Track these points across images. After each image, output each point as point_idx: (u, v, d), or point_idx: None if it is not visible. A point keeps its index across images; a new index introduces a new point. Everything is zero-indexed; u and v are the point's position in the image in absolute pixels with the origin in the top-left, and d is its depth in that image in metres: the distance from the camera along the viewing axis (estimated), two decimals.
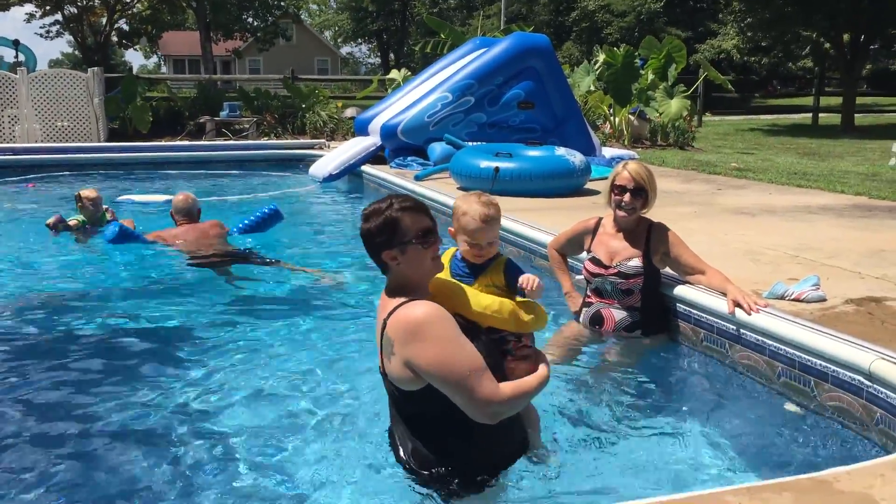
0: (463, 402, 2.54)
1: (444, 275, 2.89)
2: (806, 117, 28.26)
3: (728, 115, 31.01)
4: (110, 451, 3.36)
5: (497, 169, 8.10)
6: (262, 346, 4.64)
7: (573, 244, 4.71)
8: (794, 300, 4.10)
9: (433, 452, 2.70)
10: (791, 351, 3.63)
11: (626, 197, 4.25)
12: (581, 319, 4.53)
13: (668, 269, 4.41)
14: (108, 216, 7.56)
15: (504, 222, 6.47)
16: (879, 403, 3.18)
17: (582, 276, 4.58)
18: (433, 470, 2.71)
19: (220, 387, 4.01)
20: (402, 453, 2.80)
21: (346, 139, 16.56)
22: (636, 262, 4.30)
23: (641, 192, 4.24)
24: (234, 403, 3.80)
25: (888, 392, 3.13)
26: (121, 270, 6.40)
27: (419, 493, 2.75)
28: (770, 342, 3.75)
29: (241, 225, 7.27)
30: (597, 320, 4.42)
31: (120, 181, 12.24)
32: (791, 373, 3.64)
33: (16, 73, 16.20)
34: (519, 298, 2.90)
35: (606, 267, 4.36)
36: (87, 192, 7.47)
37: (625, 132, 15.39)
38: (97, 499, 3.01)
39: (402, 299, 2.61)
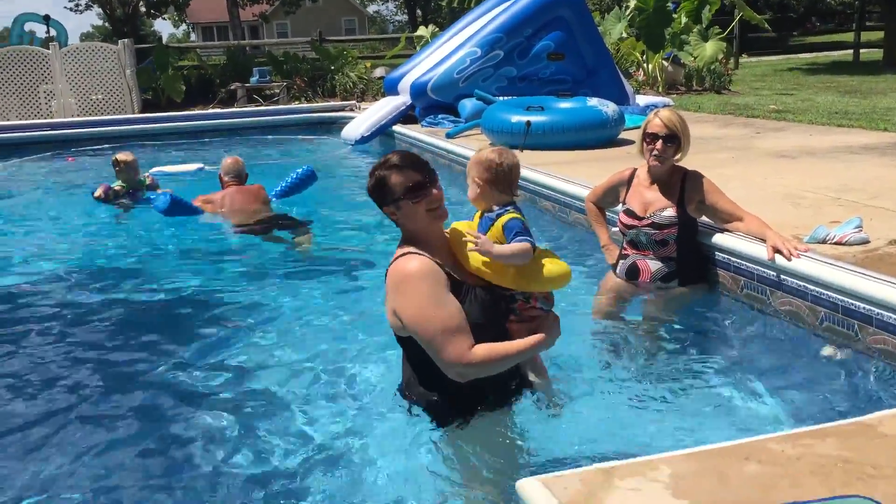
0: (434, 359, 2.66)
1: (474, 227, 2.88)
2: (846, 54, 27.42)
3: (766, 56, 30.21)
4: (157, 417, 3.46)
5: (528, 123, 8.02)
6: (306, 310, 4.69)
7: (609, 196, 4.66)
8: (836, 244, 4.03)
9: (426, 387, 2.81)
10: (833, 295, 3.58)
11: (658, 145, 4.18)
12: (618, 272, 4.50)
13: (704, 218, 4.34)
14: (149, 181, 7.70)
15: (537, 176, 6.50)
16: None
17: (618, 229, 4.55)
18: (427, 400, 2.82)
19: (269, 347, 4.09)
20: (402, 385, 2.94)
21: (376, 99, 16.50)
22: (670, 213, 4.24)
23: (674, 139, 4.17)
24: (277, 365, 3.87)
25: None
26: (167, 239, 6.50)
27: (415, 421, 2.85)
28: (812, 287, 3.70)
29: (277, 189, 7.29)
30: (633, 272, 4.39)
31: (155, 151, 12.37)
32: (834, 317, 3.60)
33: (48, 49, 16.35)
34: (541, 253, 2.83)
35: (640, 218, 4.31)
36: (123, 155, 7.58)
37: (659, 79, 15.10)
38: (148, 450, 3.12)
39: (406, 249, 2.71)
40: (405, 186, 2.67)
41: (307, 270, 5.60)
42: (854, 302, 3.47)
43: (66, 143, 12.98)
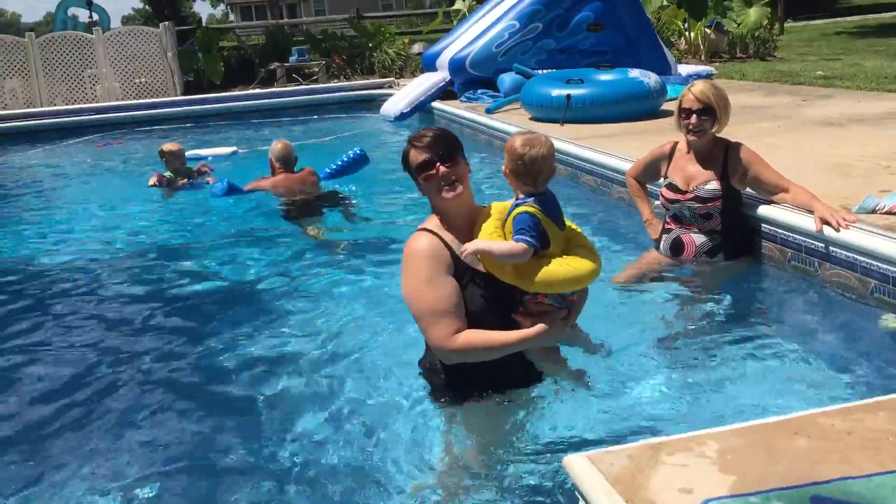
0: (423, 335, 2.75)
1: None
2: None
3: (812, 21, 29.44)
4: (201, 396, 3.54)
5: (569, 96, 7.95)
6: (353, 294, 4.73)
7: (650, 170, 4.62)
8: (886, 213, 3.95)
9: (430, 358, 2.88)
10: (884, 266, 3.52)
11: (693, 119, 4.12)
12: (661, 248, 4.46)
13: (749, 190, 4.28)
14: (202, 168, 7.79)
15: (579, 151, 6.45)
16: None
17: (660, 203, 4.50)
18: (435, 378, 2.91)
19: (316, 332, 4.15)
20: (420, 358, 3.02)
21: (414, 76, 16.45)
22: (713, 186, 4.19)
23: (709, 111, 4.10)
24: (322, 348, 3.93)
25: None
26: (217, 223, 6.56)
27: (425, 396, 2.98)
28: (862, 258, 3.64)
29: (328, 170, 7.29)
30: (677, 247, 4.35)
31: (197, 133, 12.54)
32: (885, 288, 3.54)
33: (91, 34, 16.57)
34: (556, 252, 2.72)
35: (683, 192, 4.26)
36: (169, 145, 7.67)
37: (701, 47, 14.82)
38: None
39: (424, 226, 2.79)
40: (417, 163, 2.73)
41: (347, 255, 5.61)
42: None
43: (112, 127, 13.23)
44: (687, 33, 15.30)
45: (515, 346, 2.71)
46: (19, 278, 5.50)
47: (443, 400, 2.91)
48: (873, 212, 3.98)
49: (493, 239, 2.69)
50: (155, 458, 3.08)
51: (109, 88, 16.31)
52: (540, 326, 2.69)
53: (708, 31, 14.88)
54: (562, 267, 2.66)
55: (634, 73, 8.41)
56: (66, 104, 15.55)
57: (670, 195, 4.33)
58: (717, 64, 14.30)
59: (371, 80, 15.36)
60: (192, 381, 3.74)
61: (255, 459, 3.01)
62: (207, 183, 7.48)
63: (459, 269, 2.69)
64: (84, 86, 16.39)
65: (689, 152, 4.31)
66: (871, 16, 28.72)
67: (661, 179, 4.47)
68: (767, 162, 4.22)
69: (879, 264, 3.54)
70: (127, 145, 11.93)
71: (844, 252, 3.73)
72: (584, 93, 8.02)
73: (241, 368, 3.78)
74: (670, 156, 4.45)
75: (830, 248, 3.81)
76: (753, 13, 14.46)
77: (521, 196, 2.76)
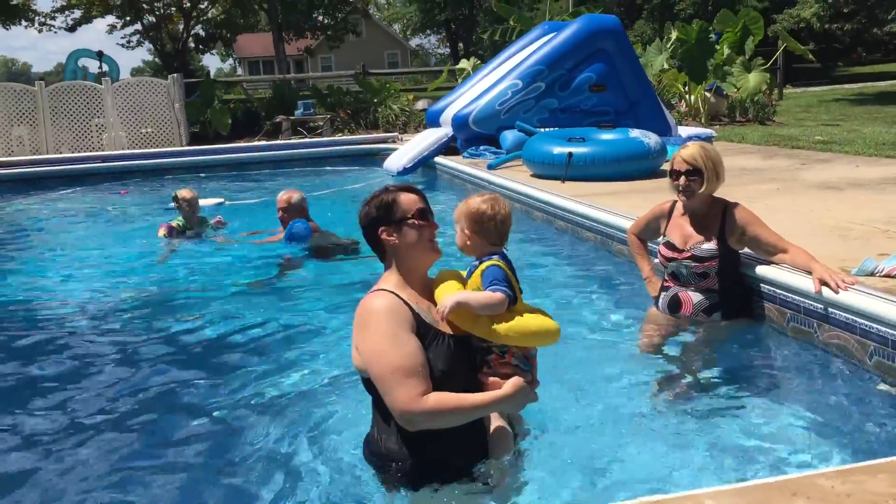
0: (384, 400, 2.54)
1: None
2: (894, 84, 27.06)
3: (810, 87, 29.91)
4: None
5: (570, 154, 8.04)
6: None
7: (650, 228, 4.66)
8: (885, 276, 3.96)
9: (380, 438, 2.70)
10: (883, 329, 3.51)
11: (682, 180, 4.19)
12: (660, 305, 4.47)
13: (748, 250, 4.30)
14: (217, 223, 7.67)
15: (580, 208, 6.49)
16: None
17: (658, 261, 4.52)
18: (379, 452, 2.71)
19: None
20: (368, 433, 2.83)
21: (418, 131, 16.67)
22: (710, 245, 4.22)
23: (696, 172, 4.16)
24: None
25: None
26: (207, 274, 6.57)
27: (370, 479, 2.78)
28: (861, 321, 3.63)
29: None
30: (675, 305, 4.36)
31: (203, 182, 12.65)
32: (884, 351, 3.52)
33: (101, 84, 16.83)
34: (524, 307, 2.71)
35: (680, 251, 4.29)
36: (184, 192, 7.47)
37: (701, 110, 15.03)
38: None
39: (384, 282, 2.68)
40: (417, 207, 2.68)
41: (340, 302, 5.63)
42: None
43: (117, 175, 13.35)
44: (687, 96, 15.54)
45: (488, 409, 2.63)
46: (14, 323, 5.50)
47: (398, 486, 2.65)
48: (872, 274, 3.99)
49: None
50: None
51: (115, 137, 16.50)
52: (514, 384, 2.60)
53: (708, 94, 15.12)
54: (534, 320, 2.66)
55: (635, 132, 8.52)
56: (72, 152, 15.71)
57: (668, 253, 4.36)
58: (717, 126, 14.50)
59: (375, 135, 15.54)
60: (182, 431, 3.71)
61: None
62: (217, 240, 7.36)
63: (422, 329, 2.58)
64: (90, 134, 16.57)
65: (685, 213, 4.35)
66: (869, 84, 29.19)
67: (661, 237, 4.50)
68: (765, 223, 4.25)
69: (878, 327, 3.53)
70: (133, 195, 12.03)
71: (843, 314, 3.73)
72: (586, 151, 8.11)
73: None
74: (669, 214, 4.49)
75: (829, 309, 3.81)
76: (753, 78, 14.71)
77: (482, 257, 2.76)
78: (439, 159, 11.32)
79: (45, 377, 4.40)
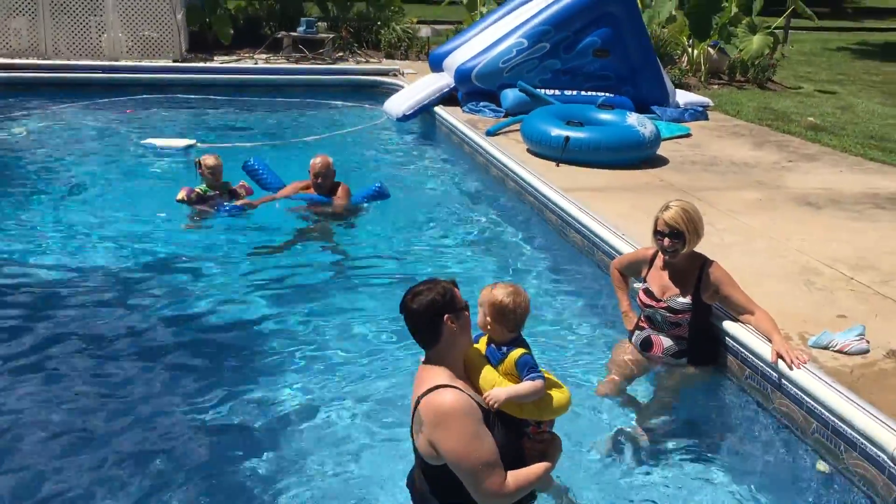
0: (469, 488, 2.85)
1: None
2: None
3: (817, 31, 29.61)
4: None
5: (567, 139, 8.27)
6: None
7: (632, 269, 5.02)
8: (837, 351, 4.37)
9: None
10: (825, 413, 3.94)
11: (666, 241, 4.51)
12: (633, 340, 4.88)
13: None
14: (241, 190, 7.48)
15: (570, 208, 6.80)
16: None
17: (637, 302, 4.90)
18: None
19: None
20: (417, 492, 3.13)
21: (419, 58, 16.66)
22: (685, 300, 4.59)
23: (678, 236, 4.48)
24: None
25: None
26: (228, 249, 6.82)
27: None
28: (807, 399, 4.05)
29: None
30: (647, 345, 4.76)
31: (197, 104, 12.84)
32: (824, 432, 3.96)
33: None
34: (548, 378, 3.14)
35: (658, 300, 4.66)
36: (209, 159, 7.29)
37: (702, 67, 15.08)
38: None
39: (439, 376, 2.92)
40: (463, 303, 2.99)
41: (347, 277, 6.22)
42: (842, 424, 3.83)
43: (117, 88, 13.39)
44: (690, 50, 15.54)
45: (544, 476, 3.07)
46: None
47: None
48: (826, 347, 4.41)
49: (502, 383, 3.05)
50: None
51: (115, 39, 16.28)
52: (556, 452, 3.12)
53: (711, 51, 15.13)
54: (560, 394, 3.13)
55: (632, 119, 8.73)
56: (71, 55, 15.56)
57: (646, 300, 4.74)
58: (716, 87, 14.60)
59: (376, 66, 15.50)
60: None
61: None
62: (240, 207, 7.28)
63: (484, 415, 2.92)
64: (90, 34, 16.33)
65: (664, 267, 4.71)
66: (874, 32, 28.94)
67: (640, 283, 4.87)
68: (737, 283, 4.62)
69: (822, 409, 3.96)
70: (139, 112, 12.17)
71: (793, 388, 4.15)
72: (582, 137, 8.33)
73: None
74: (651, 262, 4.84)
75: (782, 380, 4.23)
76: (756, 41, 14.71)
77: (505, 340, 3.15)
78: (439, 110, 11.46)
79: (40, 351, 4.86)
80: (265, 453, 4.02)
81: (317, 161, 7.30)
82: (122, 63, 15.03)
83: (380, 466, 3.91)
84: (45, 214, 7.45)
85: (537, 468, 3.04)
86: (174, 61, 15.40)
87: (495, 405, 2.96)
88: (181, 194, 7.24)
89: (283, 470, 3.90)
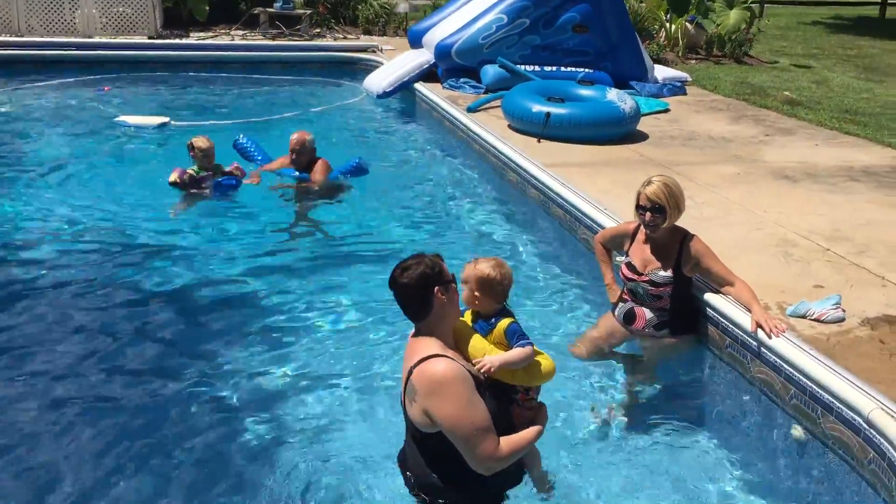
0: (465, 454, 2.97)
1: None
2: (873, 9, 27.15)
3: (792, 5, 29.83)
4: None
5: (548, 115, 8.33)
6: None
7: (615, 243, 5.10)
8: (814, 320, 4.49)
9: (445, 483, 3.12)
10: (803, 379, 4.05)
11: (647, 216, 4.59)
12: (616, 313, 4.97)
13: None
14: (234, 171, 7.37)
15: (552, 183, 6.87)
16: (873, 446, 3.63)
17: (620, 275, 5.00)
18: (441, 500, 3.13)
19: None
20: (412, 481, 3.24)
21: (397, 34, 16.61)
22: (667, 273, 4.67)
23: (660, 210, 4.57)
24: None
25: (881, 439, 3.58)
26: (217, 232, 6.83)
27: None
28: (786, 366, 4.17)
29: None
30: (629, 317, 4.86)
31: (172, 81, 12.71)
32: (802, 398, 4.08)
33: None
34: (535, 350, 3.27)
35: (640, 274, 4.75)
36: (200, 141, 7.16)
37: (680, 42, 15.17)
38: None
39: (430, 346, 3.02)
40: (452, 274, 3.10)
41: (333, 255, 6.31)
42: (818, 390, 3.95)
43: (85, 65, 13.27)
44: (668, 25, 15.62)
45: (534, 441, 3.19)
46: None
47: None
48: (804, 317, 4.53)
49: (493, 352, 3.16)
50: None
51: (89, 15, 16.08)
52: (546, 416, 3.25)
53: (689, 25, 15.22)
54: (546, 360, 3.27)
55: (612, 94, 8.79)
56: (44, 28, 15.35)
57: (628, 274, 4.82)
58: (693, 61, 14.71)
59: (354, 43, 15.42)
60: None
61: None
62: (233, 180, 7.26)
63: (476, 383, 3.02)
64: (63, 10, 16.12)
65: (646, 241, 4.79)
66: (848, 7, 29.16)
67: (623, 256, 4.96)
68: (716, 256, 4.72)
69: (799, 376, 4.08)
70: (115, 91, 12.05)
71: (772, 356, 4.27)
72: (563, 113, 8.39)
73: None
74: (633, 236, 4.92)
75: (761, 348, 4.34)
76: (733, 16, 14.82)
77: (489, 313, 3.27)
78: (419, 86, 11.46)
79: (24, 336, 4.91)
80: (252, 434, 4.08)
81: (294, 136, 7.39)
82: (97, 40, 14.82)
83: (368, 447, 3.97)
84: (19, 194, 7.40)
85: (528, 432, 3.15)
86: (149, 38, 15.23)
87: (491, 370, 3.05)
88: (173, 176, 7.06)
89: (271, 451, 3.97)
